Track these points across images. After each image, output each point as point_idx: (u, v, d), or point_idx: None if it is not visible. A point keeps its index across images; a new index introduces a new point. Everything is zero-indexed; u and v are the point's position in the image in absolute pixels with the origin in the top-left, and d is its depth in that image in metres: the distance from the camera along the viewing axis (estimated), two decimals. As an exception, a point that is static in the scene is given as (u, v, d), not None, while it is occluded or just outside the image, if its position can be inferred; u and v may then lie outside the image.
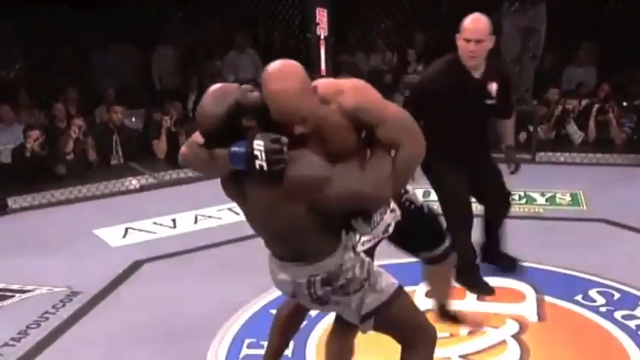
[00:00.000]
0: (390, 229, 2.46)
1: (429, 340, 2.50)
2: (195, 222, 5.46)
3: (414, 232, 2.67)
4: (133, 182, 6.54)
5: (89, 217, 5.66)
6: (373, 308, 2.37)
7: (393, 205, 2.45)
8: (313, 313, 3.70)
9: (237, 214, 5.54)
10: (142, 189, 6.43)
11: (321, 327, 3.58)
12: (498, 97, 3.73)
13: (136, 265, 4.62)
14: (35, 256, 4.82)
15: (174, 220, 5.48)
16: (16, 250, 4.97)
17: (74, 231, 5.33)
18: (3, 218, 5.71)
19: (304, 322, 3.51)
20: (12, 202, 5.90)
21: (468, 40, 3.58)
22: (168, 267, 4.61)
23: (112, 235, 5.22)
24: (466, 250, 3.86)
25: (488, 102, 3.71)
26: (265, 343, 3.46)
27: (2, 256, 4.87)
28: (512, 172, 3.99)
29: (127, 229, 5.32)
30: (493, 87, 3.69)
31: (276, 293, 3.95)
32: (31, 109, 7.39)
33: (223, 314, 3.76)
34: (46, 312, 4.00)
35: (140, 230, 5.30)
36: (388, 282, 2.42)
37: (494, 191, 3.96)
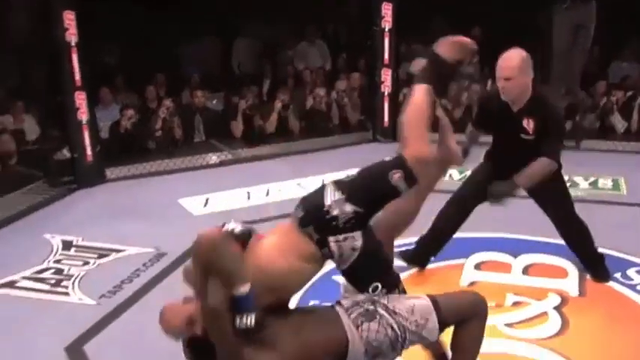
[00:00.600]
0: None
1: (479, 313, 2.41)
2: (267, 195, 5.51)
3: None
4: (213, 158, 6.64)
5: (175, 187, 5.77)
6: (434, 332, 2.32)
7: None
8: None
9: (304, 188, 5.59)
10: (221, 164, 6.52)
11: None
12: (535, 134, 3.40)
13: (215, 232, 4.70)
14: (128, 220, 4.95)
15: (248, 193, 5.55)
16: (112, 215, 5.12)
17: (161, 200, 5.45)
18: (101, 187, 5.86)
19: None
20: (109, 172, 6.07)
21: (498, 78, 3.37)
22: (243, 234, 4.67)
23: (194, 204, 5.32)
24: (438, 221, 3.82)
25: (524, 137, 3.42)
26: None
27: (101, 219, 5.02)
28: (491, 203, 3.58)
29: (207, 200, 5.41)
30: (529, 124, 3.41)
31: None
32: (126, 92, 7.56)
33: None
34: (137, 269, 4.13)
35: (219, 201, 5.39)
36: (420, 307, 2.31)
37: (556, 222, 3.68)
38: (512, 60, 3.33)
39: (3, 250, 4.57)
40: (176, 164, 6.36)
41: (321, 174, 5.88)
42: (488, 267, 3.93)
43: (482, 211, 3.82)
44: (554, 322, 3.36)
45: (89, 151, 5.76)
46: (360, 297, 2.32)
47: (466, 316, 2.38)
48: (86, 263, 4.26)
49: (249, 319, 2.13)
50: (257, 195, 5.51)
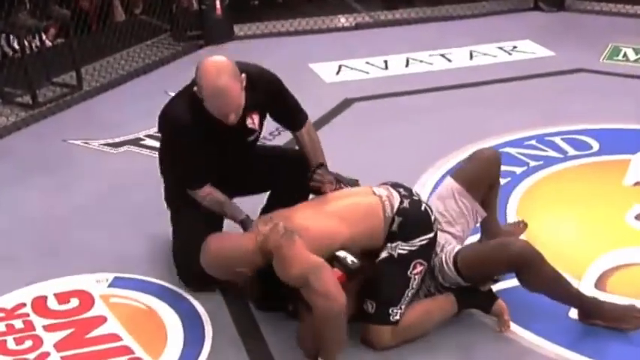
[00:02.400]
0: None
1: (524, 264, 2.46)
2: (407, 65, 5.42)
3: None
4: (349, 19, 6.54)
5: (305, 50, 5.78)
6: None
7: None
8: (518, 170, 3.63)
9: (450, 60, 5.44)
10: (357, 27, 6.42)
11: (526, 183, 3.52)
12: (261, 125, 2.85)
13: (347, 103, 4.71)
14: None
15: (386, 62, 5.47)
16: (238, 75, 5.21)
17: (291, 63, 5.47)
18: (230, 44, 5.97)
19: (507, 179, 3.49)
20: (238, 29, 6.15)
21: (225, 114, 2.59)
22: (377, 108, 4.66)
23: (326, 70, 5.33)
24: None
25: (250, 139, 2.81)
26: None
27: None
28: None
29: (340, 67, 5.39)
30: (254, 120, 2.78)
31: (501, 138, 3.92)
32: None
33: (429, 158, 3.79)
34: (264, 138, 4.20)
35: (352, 69, 5.36)
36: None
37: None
38: (231, 90, 2.54)
39: (128, 105, 4.84)
40: (308, 24, 6.34)
41: (469, 45, 5.69)
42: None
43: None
44: None
45: (218, 4, 5.83)
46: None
47: (506, 271, 2.57)
48: (211, 126, 4.41)
49: None
50: (395, 64, 5.42)
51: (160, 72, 5.46)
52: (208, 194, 2.79)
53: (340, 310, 2.31)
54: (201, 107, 2.61)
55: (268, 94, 2.79)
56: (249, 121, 2.78)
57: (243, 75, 2.61)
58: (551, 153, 3.86)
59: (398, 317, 2.49)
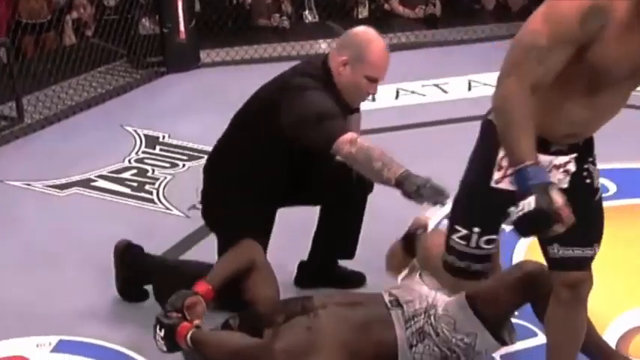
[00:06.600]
0: None
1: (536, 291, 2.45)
2: (397, 97, 5.46)
3: None
4: (331, 45, 6.59)
5: (282, 79, 5.79)
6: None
7: None
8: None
9: (446, 92, 5.48)
10: (340, 53, 6.47)
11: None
12: None
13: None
14: (225, 116, 4.99)
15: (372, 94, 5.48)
16: (206, 108, 5.21)
17: (266, 94, 5.49)
18: (195, 72, 6.01)
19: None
20: (204, 55, 6.18)
21: (372, 80, 2.86)
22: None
23: (306, 101, 5.34)
24: None
25: None
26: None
27: (192, 113, 5.14)
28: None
29: (324, 97, 5.41)
30: None
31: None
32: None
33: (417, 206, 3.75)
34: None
35: (335, 100, 5.38)
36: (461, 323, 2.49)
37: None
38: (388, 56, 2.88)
39: (77, 141, 4.82)
40: (285, 50, 6.39)
41: (468, 74, 5.74)
42: None
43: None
44: None
45: (182, 27, 5.86)
46: (416, 299, 2.57)
47: (523, 298, 2.49)
48: (174, 165, 4.41)
49: None
50: (383, 96, 5.39)
51: (115, 103, 5.47)
52: (354, 141, 2.61)
53: None
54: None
55: None
56: None
57: None
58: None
59: None
